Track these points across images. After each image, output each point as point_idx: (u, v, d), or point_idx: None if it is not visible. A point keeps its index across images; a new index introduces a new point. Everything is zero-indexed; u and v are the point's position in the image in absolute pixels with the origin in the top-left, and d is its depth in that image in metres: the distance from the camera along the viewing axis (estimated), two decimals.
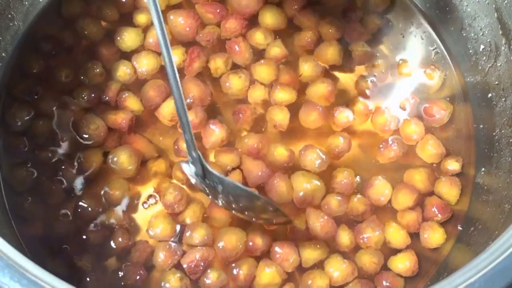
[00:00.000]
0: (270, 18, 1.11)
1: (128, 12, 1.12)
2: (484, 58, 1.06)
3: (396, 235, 1.00)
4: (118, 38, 1.09)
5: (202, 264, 0.96)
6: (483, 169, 1.04)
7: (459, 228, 1.03)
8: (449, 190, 1.03)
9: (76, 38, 1.10)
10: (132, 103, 1.06)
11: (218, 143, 1.04)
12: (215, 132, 1.04)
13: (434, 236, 1.00)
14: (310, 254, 0.99)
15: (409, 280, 1.00)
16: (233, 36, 1.10)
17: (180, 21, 1.09)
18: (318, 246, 1.00)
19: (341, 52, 1.11)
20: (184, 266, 0.96)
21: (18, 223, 0.99)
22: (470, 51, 1.09)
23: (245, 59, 1.10)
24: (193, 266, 0.96)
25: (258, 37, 1.10)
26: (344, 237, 1.00)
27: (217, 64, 1.08)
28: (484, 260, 0.73)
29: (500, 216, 0.93)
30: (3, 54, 1.05)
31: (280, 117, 1.06)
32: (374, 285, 0.99)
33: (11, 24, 1.06)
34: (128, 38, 1.09)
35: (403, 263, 0.98)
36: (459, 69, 1.12)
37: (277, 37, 1.12)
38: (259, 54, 1.11)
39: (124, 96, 1.06)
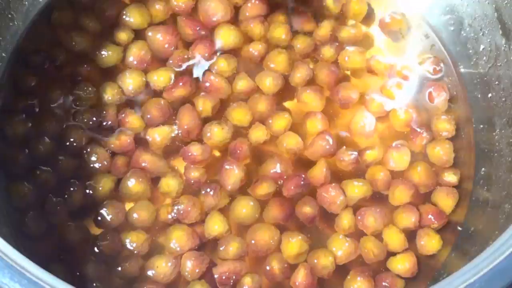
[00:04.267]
0: (225, 35, 1.09)
1: (110, 27, 1.09)
2: (484, 58, 1.06)
3: (394, 238, 1.00)
4: (97, 53, 1.07)
5: (233, 277, 0.95)
6: (483, 169, 1.04)
7: (456, 234, 1.02)
8: (444, 200, 1.03)
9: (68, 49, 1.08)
10: (133, 120, 1.04)
11: (238, 183, 1.01)
12: (234, 172, 1.00)
13: (430, 243, 1.00)
14: (355, 192, 1.00)
15: (409, 282, 0.99)
16: (203, 60, 1.08)
17: (159, 37, 1.08)
18: (362, 183, 1.01)
19: (290, 60, 1.09)
20: (216, 276, 0.95)
21: (21, 235, 0.97)
22: (470, 51, 1.09)
23: (224, 92, 1.07)
24: (224, 277, 0.95)
25: (220, 63, 1.07)
26: (345, 220, 1.00)
27: (205, 106, 1.05)
28: (484, 260, 0.73)
29: (500, 216, 0.93)
30: (3, 54, 1.05)
31: (293, 142, 1.04)
32: (370, 273, 0.98)
33: (11, 24, 1.06)
34: (107, 55, 1.07)
35: (402, 264, 0.98)
36: (459, 69, 1.12)
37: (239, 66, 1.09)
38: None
39: (123, 115, 1.04)
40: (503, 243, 0.75)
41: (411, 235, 1.01)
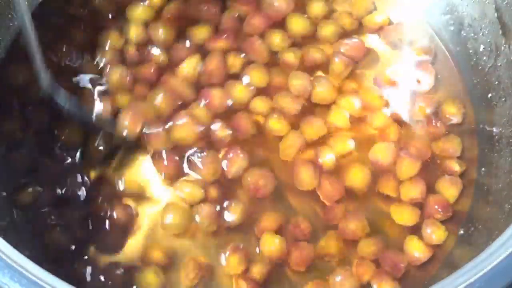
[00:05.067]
0: (296, 24, 1.11)
1: None
2: (484, 58, 1.06)
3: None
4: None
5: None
6: (483, 169, 1.04)
7: (460, 228, 1.02)
8: (448, 190, 1.02)
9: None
10: (156, 55, 1.05)
11: (240, 171, 0.99)
12: (238, 159, 0.99)
13: (437, 232, 0.99)
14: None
15: (411, 275, 0.98)
16: (254, 33, 1.09)
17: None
18: None
19: None
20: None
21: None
22: (470, 51, 1.09)
23: (262, 58, 1.08)
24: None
25: (275, 39, 1.09)
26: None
27: (236, 61, 1.06)
28: (484, 260, 0.73)
29: (500, 216, 0.93)
30: (3, 55, 1.06)
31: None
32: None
33: (11, 24, 1.06)
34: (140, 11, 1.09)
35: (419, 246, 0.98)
36: (459, 69, 1.12)
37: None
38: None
39: (148, 48, 1.06)
40: (503, 243, 0.75)
41: (415, 228, 1.00)
